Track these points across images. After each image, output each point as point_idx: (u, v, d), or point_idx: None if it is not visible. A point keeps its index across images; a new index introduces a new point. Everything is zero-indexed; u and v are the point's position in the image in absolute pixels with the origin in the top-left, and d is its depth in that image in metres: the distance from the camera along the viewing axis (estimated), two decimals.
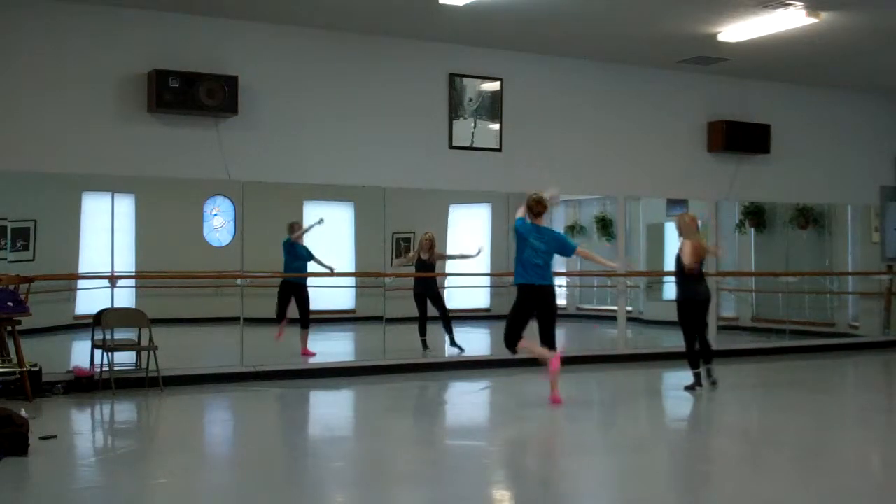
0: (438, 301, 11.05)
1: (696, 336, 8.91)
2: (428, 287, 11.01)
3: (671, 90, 11.68)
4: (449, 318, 11.09)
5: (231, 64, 9.27)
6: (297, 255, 10.38)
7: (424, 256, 11.06)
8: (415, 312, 11.05)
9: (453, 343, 11.07)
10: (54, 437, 6.55)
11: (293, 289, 10.40)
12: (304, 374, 9.68)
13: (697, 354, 8.94)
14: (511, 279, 11.73)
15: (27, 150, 8.62)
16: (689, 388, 8.99)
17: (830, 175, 12.74)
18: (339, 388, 9.39)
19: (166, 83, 8.81)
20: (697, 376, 8.95)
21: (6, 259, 9.05)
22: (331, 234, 11.85)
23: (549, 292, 8.28)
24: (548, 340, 8.25)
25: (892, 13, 9.15)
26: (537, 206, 8.23)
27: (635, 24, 9.61)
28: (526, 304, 8.22)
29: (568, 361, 11.16)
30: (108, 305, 9.06)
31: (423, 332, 10.98)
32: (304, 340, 10.37)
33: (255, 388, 9.08)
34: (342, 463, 6.34)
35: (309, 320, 10.42)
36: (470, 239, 12.57)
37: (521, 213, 8.33)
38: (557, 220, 13.93)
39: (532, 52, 10.77)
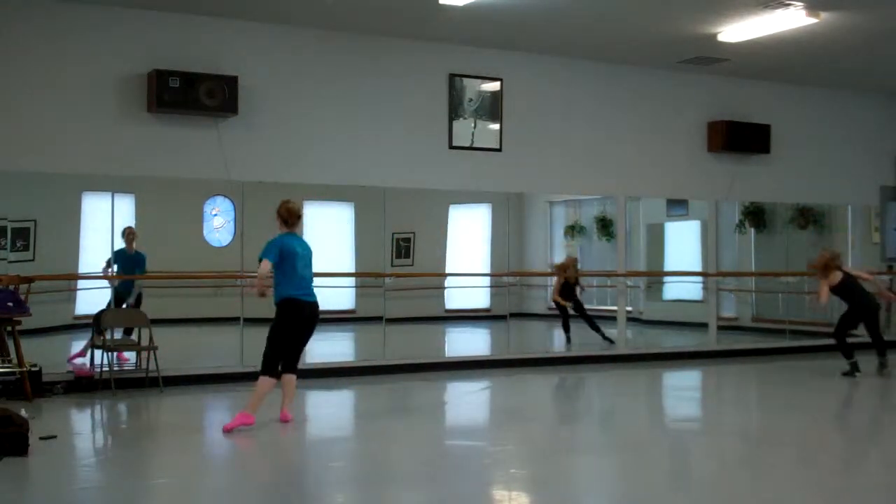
0: (580, 306, 11.97)
1: (847, 333, 10.31)
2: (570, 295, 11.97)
3: (671, 90, 11.68)
4: (590, 318, 11.93)
5: (231, 64, 9.27)
6: (136, 263, 9.78)
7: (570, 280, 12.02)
8: (415, 313, 11.12)
9: (605, 337, 11.75)
10: (54, 437, 6.55)
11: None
12: (304, 374, 9.64)
13: (852, 347, 10.24)
14: (509, 278, 11.90)
15: (27, 150, 8.63)
16: (846, 374, 10.12)
17: (830, 175, 12.74)
18: (339, 388, 9.39)
19: (166, 83, 8.81)
20: (854, 365, 10.14)
21: (6, 259, 9.04)
22: (331, 234, 11.86)
23: (318, 311, 7.33)
24: (294, 363, 7.36)
25: (892, 13, 9.15)
26: (292, 217, 7.25)
27: (635, 24, 9.62)
28: (299, 324, 7.17)
29: (568, 361, 11.25)
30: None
31: (566, 329, 11.99)
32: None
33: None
34: (342, 463, 6.34)
35: None
36: (470, 239, 12.58)
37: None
38: (558, 220, 13.93)
39: (532, 52, 10.77)
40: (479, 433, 7.56)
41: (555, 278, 12.23)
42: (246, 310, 9.60)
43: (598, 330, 11.75)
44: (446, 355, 11.69)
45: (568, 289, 11.99)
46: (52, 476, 5.77)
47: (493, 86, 10.68)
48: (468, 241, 12.70)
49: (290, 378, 7.34)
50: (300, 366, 7.49)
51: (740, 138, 11.81)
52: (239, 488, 5.58)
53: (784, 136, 12.22)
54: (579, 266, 12.42)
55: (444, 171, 10.48)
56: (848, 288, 10.23)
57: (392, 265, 10.98)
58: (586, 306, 12.15)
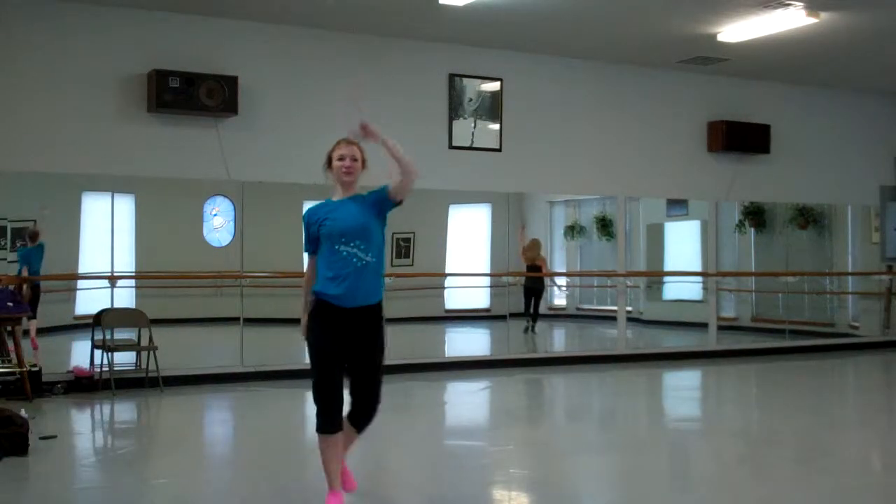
0: (539, 297, 12.38)
1: None
2: (535, 284, 12.37)
3: (671, 90, 11.68)
4: (538, 314, 12.39)
5: (231, 64, 9.27)
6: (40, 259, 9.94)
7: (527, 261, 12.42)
8: (415, 313, 11.15)
9: (532, 330, 12.32)
10: (54, 437, 6.55)
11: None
12: (305, 374, 9.63)
13: None
14: (508, 278, 11.90)
15: (27, 150, 8.63)
16: None
17: (830, 175, 12.73)
18: None
19: (166, 83, 8.81)
20: None
21: (6, 259, 9.05)
22: None
23: (376, 316, 4.77)
24: (364, 409, 4.80)
25: (892, 13, 9.15)
26: (331, 159, 5.01)
27: (635, 24, 9.61)
28: (334, 344, 4.67)
29: (568, 361, 11.24)
30: (108, 305, 9.07)
31: (533, 318, 12.41)
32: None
33: (255, 388, 9.08)
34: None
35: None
36: (470, 239, 12.58)
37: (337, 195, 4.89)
38: (557, 220, 13.91)
39: (532, 52, 10.77)
40: (479, 433, 7.56)
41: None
42: (246, 310, 9.61)
43: (534, 320, 12.39)
44: (446, 355, 11.68)
45: (534, 272, 12.41)
46: (52, 476, 5.77)
47: (493, 86, 10.67)
48: (468, 241, 12.68)
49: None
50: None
51: (740, 138, 11.80)
52: (239, 488, 5.58)
53: (784, 136, 12.22)
54: (542, 253, 12.74)
55: (444, 171, 10.47)
56: None
57: (392, 265, 10.97)
58: (585, 306, 12.22)
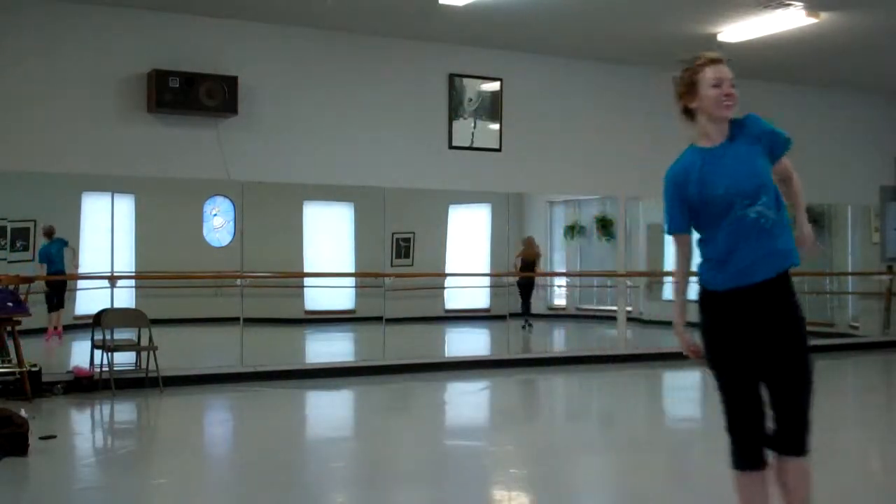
0: (529, 292, 12.70)
1: None
2: (528, 280, 12.81)
3: (671, 90, 11.63)
4: (529, 307, 12.72)
5: (231, 64, 9.27)
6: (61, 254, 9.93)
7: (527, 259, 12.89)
8: (415, 313, 11.18)
9: (529, 325, 12.69)
10: (54, 437, 6.55)
11: None
12: (304, 374, 9.68)
13: None
14: (509, 278, 11.93)
15: (27, 150, 8.63)
16: None
17: (830, 175, 12.72)
18: (339, 388, 9.39)
19: (166, 83, 8.81)
20: None
21: (6, 259, 9.05)
22: (331, 234, 11.86)
23: (782, 297, 3.64)
24: (791, 431, 3.52)
25: (892, 13, 9.15)
26: (694, 89, 3.83)
27: (635, 24, 9.62)
28: (732, 340, 3.78)
29: (568, 361, 11.23)
30: (108, 305, 9.07)
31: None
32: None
33: (255, 388, 9.08)
34: (342, 463, 6.34)
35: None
36: (470, 239, 12.59)
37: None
38: (557, 220, 13.91)
39: (532, 52, 10.77)
40: (479, 433, 7.56)
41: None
42: (246, 310, 9.61)
43: (526, 312, 12.76)
44: (446, 355, 11.68)
45: (527, 268, 12.67)
46: (52, 476, 5.77)
47: (493, 86, 10.67)
48: (468, 241, 12.70)
49: (787, 465, 3.55)
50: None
51: None
52: (239, 488, 5.58)
53: None
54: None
55: (444, 171, 10.48)
56: None
57: (392, 265, 10.98)
58: (585, 306, 12.24)
